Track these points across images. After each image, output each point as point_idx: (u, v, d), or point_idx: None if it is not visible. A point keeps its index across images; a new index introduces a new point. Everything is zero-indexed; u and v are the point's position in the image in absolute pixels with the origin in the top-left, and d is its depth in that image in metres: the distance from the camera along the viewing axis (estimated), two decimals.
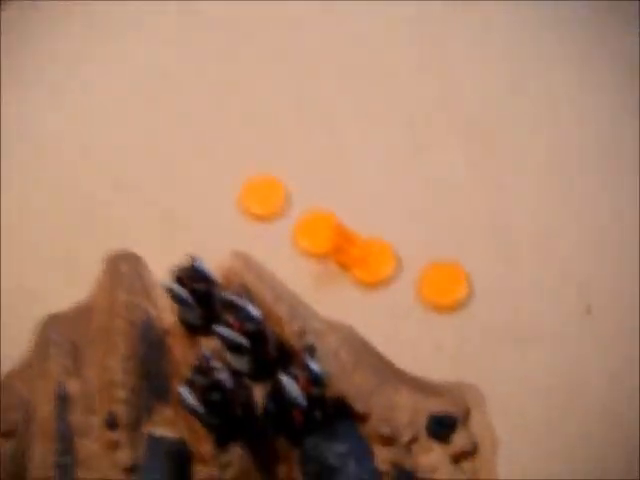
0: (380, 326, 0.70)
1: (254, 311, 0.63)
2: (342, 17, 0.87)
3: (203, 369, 0.61)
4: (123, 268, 0.73)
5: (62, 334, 0.70)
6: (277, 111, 0.83)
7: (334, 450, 0.62)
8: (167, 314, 0.70)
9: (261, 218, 0.77)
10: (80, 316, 0.72)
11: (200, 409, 0.60)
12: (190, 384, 0.61)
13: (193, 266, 0.66)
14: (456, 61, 0.83)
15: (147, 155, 0.82)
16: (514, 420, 0.66)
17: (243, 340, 0.63)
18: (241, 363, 0.66)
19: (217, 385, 0.60)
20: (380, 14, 0.86)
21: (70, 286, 0.73)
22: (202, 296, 0.66)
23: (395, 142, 0.80)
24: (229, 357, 0.66)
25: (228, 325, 0.63)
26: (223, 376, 0.60)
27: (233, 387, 0.61)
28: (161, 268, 0.69)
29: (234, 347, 0.64)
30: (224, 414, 0.62)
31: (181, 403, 0.61)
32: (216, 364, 0.61)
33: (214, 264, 0.70)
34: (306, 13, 0.87)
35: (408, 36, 0.85)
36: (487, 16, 0.85)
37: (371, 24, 0.86)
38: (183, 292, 0.65)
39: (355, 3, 0.87)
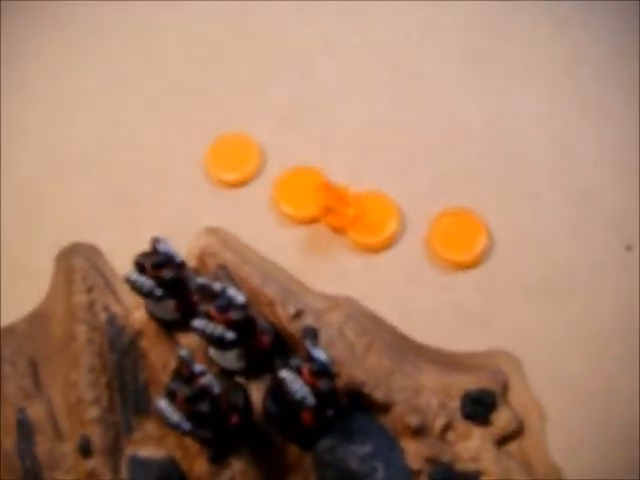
0: (389, 295, 0.64)
1: (237, 296, 0.55)
2: None
3: (183, 375, 0.53)
4: (78, 263, 0.66)
5: (16, 350, 0.64)
6: (239, 57, 0.76)
7: (355, 452, 0.55)
8: (137, 311, 0.63)
9: (234, 184, 0.70)
10: (35, 327, 0.66)
11: (186, 425, 0.51)
12: (170, 395, 0.52)
13: (156, 249, 0.56)
14: None
15: (93, 125, 0.74)
16: (560, 386, 0.61)
17: (228, 333, 0.54)
18: (230, 360, 0.58)
19: (202, 393, 0.52)
20: None
21: (20, 293, 0.67)
22: (171, 284, 0.58)
23: (381, 77, 0.74)
24: (214, 355, 0.58)
25: (208, 317, 0.55)
26: (208, 381, 0.51)
27: (222, 391, 0.53)
28: (124, 257, 0.61)
29: (218, 342, 0.54)
30: (216, 425, 0.54)
31: (163, 420, 0.52)
32: (198, 367, 0.52)
33: (185, 245, 0.65)
34: None
35: None
36: None
37: None
38: (147, 282, 0.57)
39: None
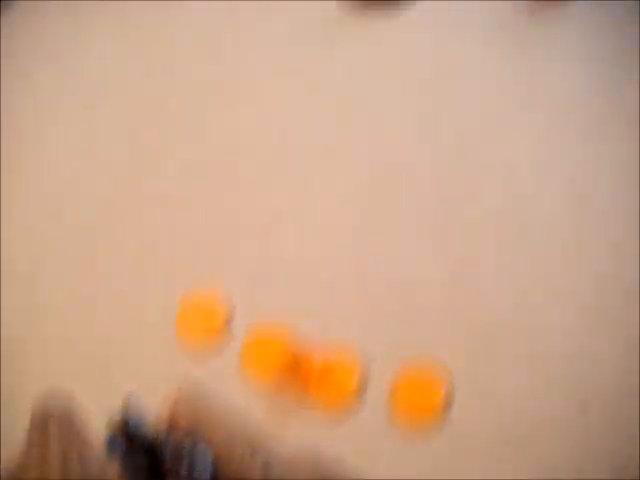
0: (352, 452, 0.64)
1: (205, 457, 0.57)
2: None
3: None
4: (52, 420, 0.65)
5: None
6: (206, 210, 0.78)
7: None
8: (110, 468, 0.62)
9: (202, 343, 0.71)
10: (9, 477, 0.64)
11: None
12: None
13: (128, 418, 0.58)
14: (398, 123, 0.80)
15: (60, 279, 0.76)
16: None
17: None
18: None
19: None
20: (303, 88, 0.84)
21: None
22: (144, 447, 0.59)
23: (343, 229, 0.76)
24: None
25: (178, 478, 0.56)
26: None
27: None
28: (98, 410, 0.63)
29: None
30: None
31: None
32: None
33: (157, 403, 0.64)
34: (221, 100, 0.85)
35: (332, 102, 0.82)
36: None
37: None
38: (120, 449, 0.57)
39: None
